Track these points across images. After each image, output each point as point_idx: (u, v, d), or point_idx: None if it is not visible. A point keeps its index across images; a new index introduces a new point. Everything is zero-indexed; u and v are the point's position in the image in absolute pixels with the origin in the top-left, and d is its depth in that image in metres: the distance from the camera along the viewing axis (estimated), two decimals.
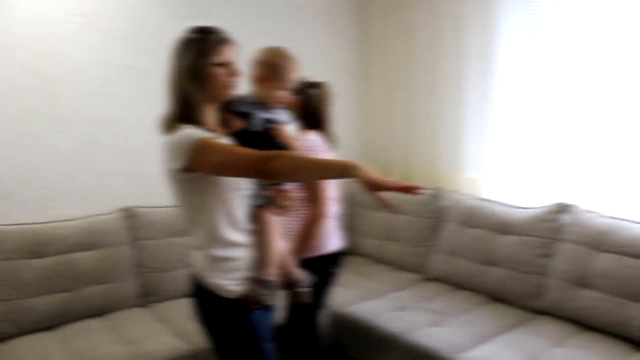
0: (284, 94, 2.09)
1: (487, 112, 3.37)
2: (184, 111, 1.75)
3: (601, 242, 2.64)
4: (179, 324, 2.73)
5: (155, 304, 2.98)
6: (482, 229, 3.12)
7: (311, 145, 2.34)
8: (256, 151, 1.63)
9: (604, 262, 2.60)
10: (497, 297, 2.99)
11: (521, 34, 3.18)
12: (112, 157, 3.10)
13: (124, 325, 2.74)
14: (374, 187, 1.48)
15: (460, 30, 3.45)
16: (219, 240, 1.79)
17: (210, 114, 1.82)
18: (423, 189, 1.49)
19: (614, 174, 2.89)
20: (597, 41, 2.88)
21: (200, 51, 1.74)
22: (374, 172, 1.49)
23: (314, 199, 2.35)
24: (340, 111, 3.95)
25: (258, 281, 1.87)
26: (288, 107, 2.17)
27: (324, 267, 2.42)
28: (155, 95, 3.08)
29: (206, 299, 1.85)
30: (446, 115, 3.61)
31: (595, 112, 2.94)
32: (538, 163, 3.20)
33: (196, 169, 1.69)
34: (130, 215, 3.02)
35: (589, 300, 2.60)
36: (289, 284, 2.11)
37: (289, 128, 2.13)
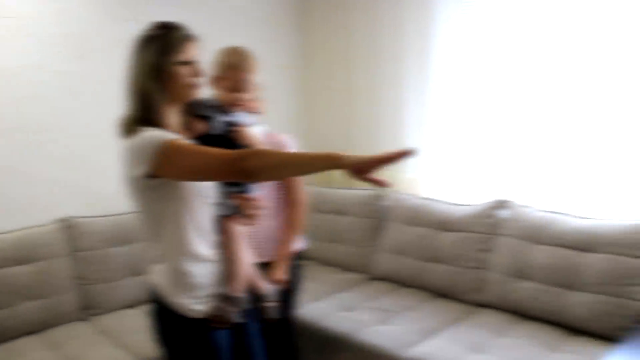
0: (243, 95, 2.04)
1: (425, 113, 3.45)
2: (144, 113, 1.64)
3: (538, 235, 2.74)
4: (123, 336, 2.66)
5: (97, 317, 2.88)
6: (424, 227, 3.19)
7: (279, 145, 2.32)
8: (230, 150, 1.52)
9: (540, 254, 2.70)
10: (441, 292, 3.05)
11: (457, 34, 3.26)
12: (48, 165, 2.98)
13: (64, 341, 2.63)
14: (363, 170, 1.41)
15: (398, 32, 3.52)
16: (185, 253, 1.67)
17: (173, 115, 1.72)
18: (412, 149, 1.42)
19: (548, 170, 3.01)
20: (531, 40, 2.99)
21: (162, 48, 1.64)
22: (356, 157, 1.41)
23: (291, 195, 2.33)
24: (282, 114, 3.98)
25: (225, 298, 1.77)
26: (251, 108, 2.10)
27: (293, 266, 2.40)
28: (93, 101, 3.05)
29: (167, 319, 1.72)
30: (386, 117, 3.67)
31: (529, 109, 3.05)
32: (476, 161, 3.30)
33: (163, 174, 1.57)
34: (68, 226, 2.91)
35: (528, 290, 2.70)
36: (256, 299, 1.99)
37: (252, 130, 2.06)
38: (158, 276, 1.72)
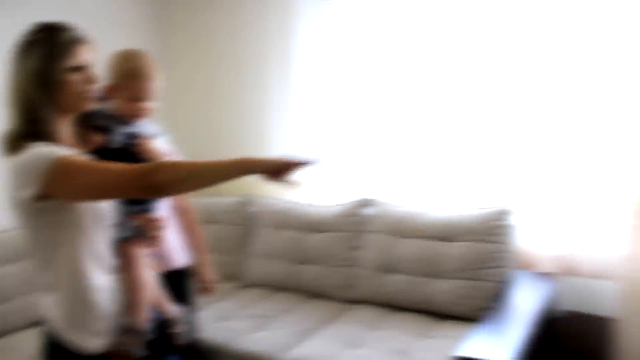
0: (145, 104, 1.87)
1: (288, 115, 3.49)
2: (31, 126, 1.46)
3: (402, 229, 2.90)
4: None
5: None
6: (294, 230, 3.23)
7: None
8: (133, 165, 1.40)
9: (406, 247, 2.86)
10: (314, 293, 3.10)
11: (319, 35, 3.33)
12: None
13: None
14: (277, 173, 1.39)
15: (261, 34, 3.52)
16: (79, 282, 1.50)
17: (65, 128, 1.54)
18: (319, 156, 1.45)
19: (406, 167, 3.18)
20: (388, 41, 3.14)
21: (47, 54, 1.46)
22: (269, 160, 1.40)
23: (178, 203, 2.27)
24: None
25: (126, 330, 1.61)
26: (152, 117, 1.94)
27: (185, 280, 2.32)
28: None
29: (60, 356, 1.53)
30: (250, 120, 3.66)
31: (387, 110, 3.20)
32: (339, 162, 3.38)
33: (56, 195, 1.41)
34: None
35: (396, 283, 2.84)
36: (162, 326, 1.80)
37: (157, 142, 1.91)
38: (49, 308, 1.53)
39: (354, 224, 3.08)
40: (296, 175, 1.41)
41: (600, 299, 2.79)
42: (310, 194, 3.42)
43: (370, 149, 3.29)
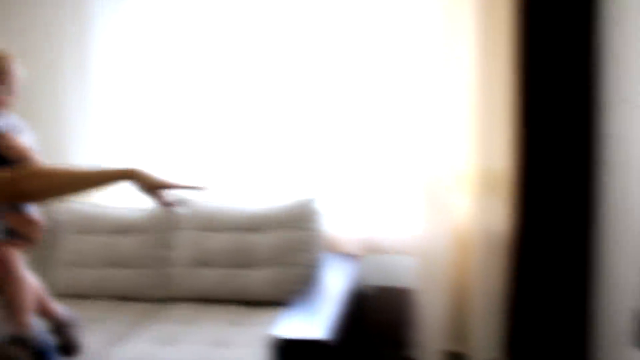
0: (5, 94, 1.66)
1: (90, 119, 3.33)
2: None
3: (213, 224, 2.93)
4: None
5: None
6: (102, 234, 3.10)
7: None
8: None
9: (218, 241, 2.90)
10: (127, 297, 2.99)
11: (117, 37, 3.25)
12: None
13: None
14: (155, 187, 1.40)
15: (54, 40, 3.31)
16: None
17: None
18: (206, 187, 1.48)
19: (215, 163, 3.23)
20: (191, 39, 3.16)
21: None
22: (151, 173, 1.40)
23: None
24: None
25: (11, 341, 1.46)
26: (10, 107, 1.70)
27: None
28: None
29: None
30: (46, 128, 3.38)
31: (190, 109, 3.22)
32: (147, 162, 3.29)
33: None
34: None
35: (210, 277, 2.86)
36: (54, 329, 1.69)
37: (22, 137, 1.69)
38: None
39: (165, 223, 3.03)
40: (172, 194, 1.46)
41: (402, 272, 3.06)
42: (119, 195, 3.29)
43: (175, 147, 3.27)
